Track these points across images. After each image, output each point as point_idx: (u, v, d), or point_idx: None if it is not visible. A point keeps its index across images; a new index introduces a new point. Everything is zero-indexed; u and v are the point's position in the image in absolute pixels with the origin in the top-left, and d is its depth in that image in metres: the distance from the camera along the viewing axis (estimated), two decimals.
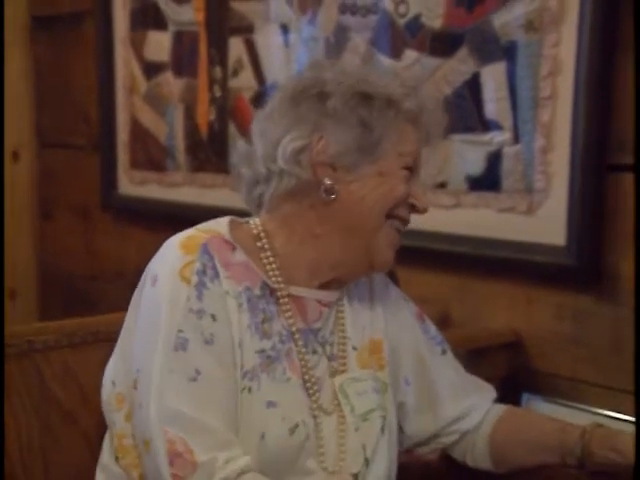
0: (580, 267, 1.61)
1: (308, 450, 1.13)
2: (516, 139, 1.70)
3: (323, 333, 1.19)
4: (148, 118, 2.48)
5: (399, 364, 1.28)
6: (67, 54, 2.75)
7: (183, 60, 2.36)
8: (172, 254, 1.11)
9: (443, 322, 1.81)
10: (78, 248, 2.78)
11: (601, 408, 1.60)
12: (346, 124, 1.14)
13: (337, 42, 1.97)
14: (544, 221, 1.67)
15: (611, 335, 1.62)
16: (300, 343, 1.16)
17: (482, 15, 1.72)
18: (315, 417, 1.14)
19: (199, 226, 1.17)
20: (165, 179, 2.45)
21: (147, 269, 1.13)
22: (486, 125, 1.74)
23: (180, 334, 1.07)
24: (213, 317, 1.09)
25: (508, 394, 1.51)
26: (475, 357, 1.63)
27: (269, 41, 2.12)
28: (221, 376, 1.08)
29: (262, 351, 1.12)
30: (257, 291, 1.15)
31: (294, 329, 1.16)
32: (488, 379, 1.37)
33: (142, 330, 1.10)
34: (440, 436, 1.31)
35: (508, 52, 1.68)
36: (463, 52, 1.75)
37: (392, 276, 1.50)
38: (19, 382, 1.20)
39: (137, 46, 2.48)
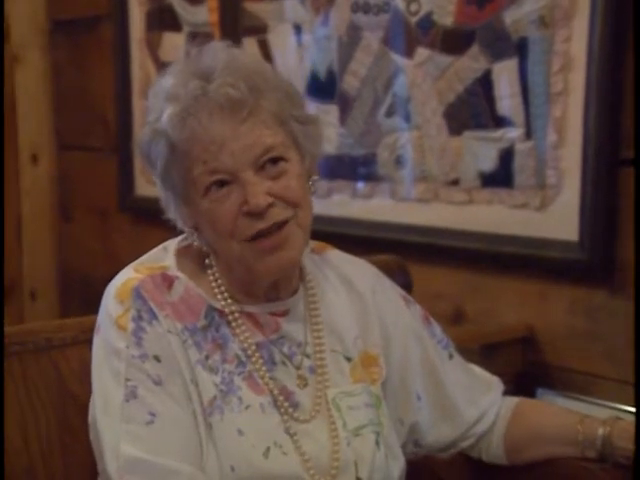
0: (593, 262, 1.62)
1: (292, 466, 1.10)
2: (528, 135, 1.70)
3: (289, 344, 1.16)
4: None
5: (408, 379, 1.25)
6: (85, 57, 2.78)
7: None
8: (109, 304, 1.11)
9: (456, 318, 1.82)
10: (97, 249, 2.81)
11: (615, 402, 1.60)
12: (154, 175, 1.14)
13: (350, 41, 1.97)
14: (557, 216, 1.67)
15: (625, 329, 1.62)
16: (261, 361, 1.13)
17: (493, 12, 1.72)
18: (290, 433, 1.11)
19: (144, 259, 1.16)
20: None
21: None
22: (498, 121, 1.74)
23: (128, 383, 1.06)
24: (157, 358, 1.07)
25: (522, 389, 1.52)
26: (489, 353, 1.64)
27: (283, 41, 2.13)
28: (178, 413, 1.07)
29: (215, 385, 1.10)
30: (202, 321, 1.12)
31: (253, 347, 1.13)
32: (502, 374, 1.36)
33: (95, 383, 1.10)
34: (458, 442, 1.30)
35: (519, 48, 1.69)
36: (475, 49, 1.76)
37: (405, 273, 1.51)
38: (37, 378, 1.22)
39: (153, 47, 2.50)
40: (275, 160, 1.09)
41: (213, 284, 1.15)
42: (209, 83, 1.07)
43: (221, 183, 1.07)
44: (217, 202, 1.08)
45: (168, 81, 1.11)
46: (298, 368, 1.16)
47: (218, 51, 1.12)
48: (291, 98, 1.13)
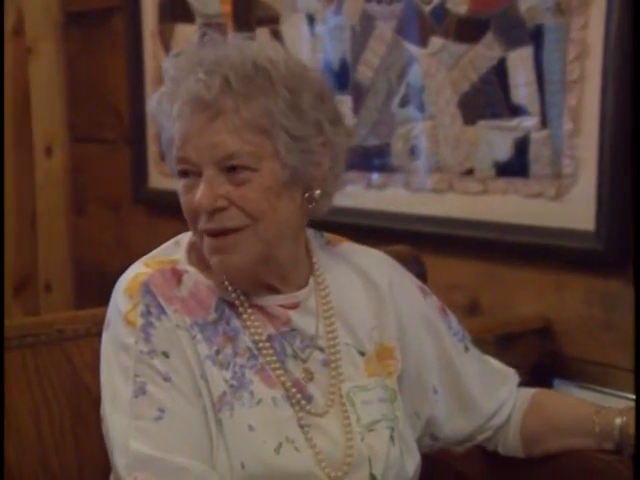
0: (609, 252, 1.60)
1: (305, 462, 1.09)
2: (544, 124, 1.68)
3: (301, 337, 1.14)
4: None
5: (425, 372, 1.23)
6: (97, 49, 2.78)
7: None
8: (119, 299, 1.10)
9: (472, 309, 1.81)
10: (110, 241, 2.81)
11: (632, 393, 1.58)
12: None
13: (363, 31, 1.96)
14: (573, 206, 1.66)
15: None
16: (272, 351, 1.12)
17: None
18: (302, 427, 1.10)
19: (155, 253, 1.15)
20: None
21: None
22: (513, 110, 1.72)
23: (137, 379, 1.05)
24: (165, 354, 1.06)
25: (538, 380, 1.50)
26: (505, 344, 1.63)
27: (296, 31, 2.12)
28: (187, 409, 1.06)
29: (225, 381, 1.09)
30: (213, 315, 1.11)
31: (264, 338, 1.12)
32: (518, 366, 1.36)
33: (104, 379, 1.09)
34: (475, 435, 1.29)
35: (535, 36, 1.67)
36: (489, 37, 1.74)
37: (419, 263, 1.50)
38: (50, 370, 1.22)
39: (165, 39, 2.50)
40: (237, 167, 1.05)
41: (223, 276, 1.13)
42: (195, 75, 1.06)
43: (186, 172, 1.07)
44: (184, 188, 1.08)
45: (178, 59, 1.11)
46: (304, 361, 1.14)
47: (227, 44, 1.10)
48: (294, 110, 1.06)
